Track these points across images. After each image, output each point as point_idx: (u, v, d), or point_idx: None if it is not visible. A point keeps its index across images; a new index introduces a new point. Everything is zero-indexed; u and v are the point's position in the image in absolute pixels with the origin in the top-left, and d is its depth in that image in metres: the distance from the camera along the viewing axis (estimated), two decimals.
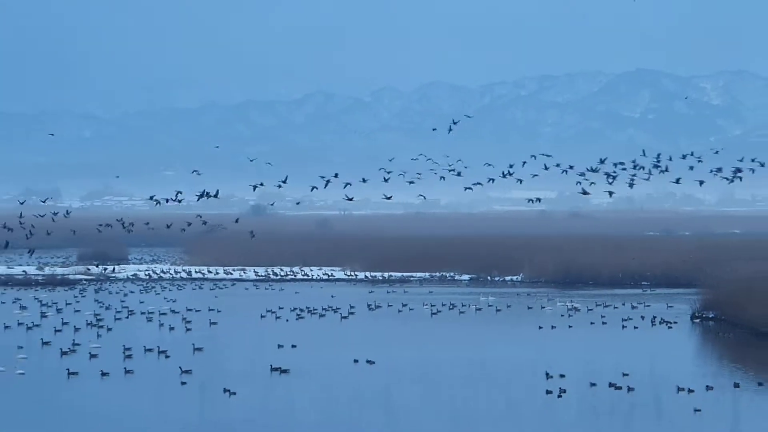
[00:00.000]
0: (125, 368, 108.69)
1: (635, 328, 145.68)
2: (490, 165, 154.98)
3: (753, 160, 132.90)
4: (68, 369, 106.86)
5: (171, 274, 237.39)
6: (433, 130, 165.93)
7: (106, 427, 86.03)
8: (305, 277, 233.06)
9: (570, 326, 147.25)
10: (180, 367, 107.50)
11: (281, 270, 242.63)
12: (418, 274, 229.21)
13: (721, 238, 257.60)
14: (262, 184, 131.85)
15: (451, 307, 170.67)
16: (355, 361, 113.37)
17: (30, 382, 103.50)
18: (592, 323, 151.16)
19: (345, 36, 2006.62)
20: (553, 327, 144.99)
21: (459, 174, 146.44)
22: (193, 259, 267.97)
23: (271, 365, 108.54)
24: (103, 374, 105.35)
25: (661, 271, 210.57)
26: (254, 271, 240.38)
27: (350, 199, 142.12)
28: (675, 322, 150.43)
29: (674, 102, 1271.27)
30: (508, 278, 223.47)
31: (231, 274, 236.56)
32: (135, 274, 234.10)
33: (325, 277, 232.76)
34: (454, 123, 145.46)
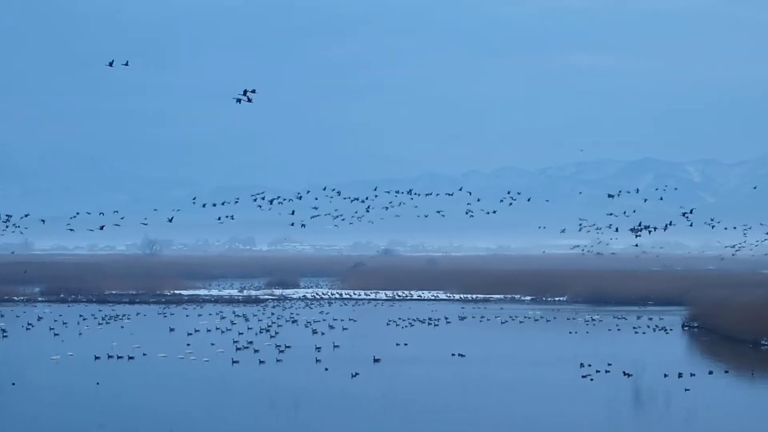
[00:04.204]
0: (277, 359, 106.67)
1: (643, 333, 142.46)
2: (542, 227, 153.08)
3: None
4: (233, 359, 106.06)
5: (327, 295, 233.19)
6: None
7: (243, 394, 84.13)
8: (417, 297, 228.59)
9: (587, 332, 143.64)
10: (316, 358, 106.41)
11: (401, 293, 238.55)
12: (495, 296, 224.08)
13: (701, 272, 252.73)
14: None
15: (515, 318, 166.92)
16: (452, 354, 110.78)
17: (209, 366, 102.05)
18: (609, 330, 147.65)
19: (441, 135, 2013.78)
20: (576, 332, 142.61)
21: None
22: (343, 285, 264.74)
23: (373, 357, 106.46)
24: (261, 362, 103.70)
25: (660, 293, 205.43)
26: (384, 293, 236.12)
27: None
28: (671, 329, 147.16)
29: (668, 179, 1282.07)
30: (556, 298, 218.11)
31: (368, 295, 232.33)
32: (303, 296, 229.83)
33: (431, 297, 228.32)
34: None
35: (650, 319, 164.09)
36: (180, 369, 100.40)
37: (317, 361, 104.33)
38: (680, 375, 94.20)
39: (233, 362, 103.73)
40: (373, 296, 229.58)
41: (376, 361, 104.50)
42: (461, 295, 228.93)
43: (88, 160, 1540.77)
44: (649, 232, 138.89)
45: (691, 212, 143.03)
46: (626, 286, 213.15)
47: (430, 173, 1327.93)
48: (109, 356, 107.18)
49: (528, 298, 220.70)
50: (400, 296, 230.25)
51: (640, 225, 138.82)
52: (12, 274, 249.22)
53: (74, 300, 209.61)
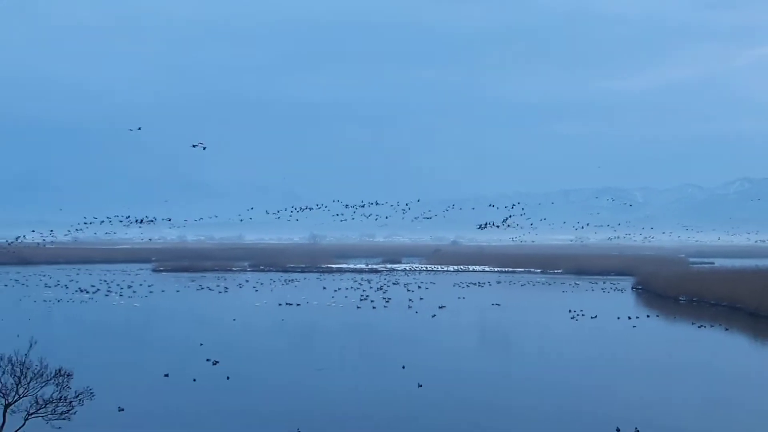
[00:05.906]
0: (384, 306, 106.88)
1: (607, 292, 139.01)
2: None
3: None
4: (357, 306, 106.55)
5: (418, 268, 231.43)
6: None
7: (361, 325, 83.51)
8: (472, 270, 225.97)
9: (572, 292, 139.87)
10: (408, 305, 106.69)
11: (463, 267, 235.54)
12: (518, 269, 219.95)
13: (643, 256, 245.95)
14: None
15: (530, 283, 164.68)
16: (492, 304, 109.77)
17: (339, 310, 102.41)
18: (586, 290, 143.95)
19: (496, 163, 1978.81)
20: (565, 291, 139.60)
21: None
22: (428, 262, 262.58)
23: (438, 305, 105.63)
24: (373, 308, 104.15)
25: (618, 268, 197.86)
26: (452, 267, 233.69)
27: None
28: (624, 290, 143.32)
29: (620, 199, 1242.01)
30: (555, 271, 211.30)
31: (443, 268, 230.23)
32: (404, 269, 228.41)
33: (480, 270, 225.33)
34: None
35: (612, 284, 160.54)
36: (326, 311, 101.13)
37: (409, 307, 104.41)
38: (629, 317, 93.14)
39: (357, 307, 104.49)
40: (446, 269, 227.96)
41: (441, 307, 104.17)
42: (498, 269, 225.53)
43: (268, 188, 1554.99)
44: (493, 226, 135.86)
45: (510, 217, 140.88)
46: (597, 263, 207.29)
47: (476, 195, 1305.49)
48: (287, 304, 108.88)
49: (538, 270, 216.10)
50: (462, 269, 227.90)
51: (485, 223, 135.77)
52: (232, 256, 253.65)
53: (268, 270, 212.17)
